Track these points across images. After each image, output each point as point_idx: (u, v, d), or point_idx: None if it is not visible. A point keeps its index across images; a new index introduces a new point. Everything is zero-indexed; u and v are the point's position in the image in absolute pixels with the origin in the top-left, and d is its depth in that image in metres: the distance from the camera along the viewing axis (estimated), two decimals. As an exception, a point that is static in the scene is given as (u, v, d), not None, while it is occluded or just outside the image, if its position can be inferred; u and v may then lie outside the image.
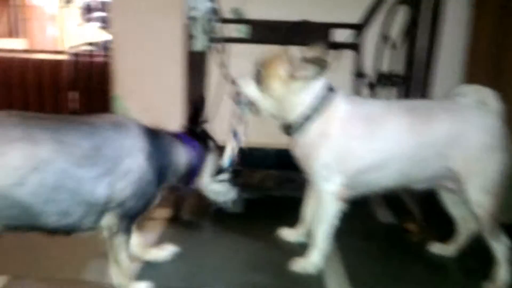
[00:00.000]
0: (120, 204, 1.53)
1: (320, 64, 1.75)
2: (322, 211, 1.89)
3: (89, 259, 1.88)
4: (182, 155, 1.75)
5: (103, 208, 1.51)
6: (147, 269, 1.85)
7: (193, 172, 1.81)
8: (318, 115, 1.80)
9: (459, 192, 1.86)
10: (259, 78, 1.83)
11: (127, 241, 1.62)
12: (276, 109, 1.85)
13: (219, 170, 1.89)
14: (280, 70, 1.79)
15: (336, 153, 1.81)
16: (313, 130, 1.82)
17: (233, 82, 1.90)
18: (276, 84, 1.80)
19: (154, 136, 1.66)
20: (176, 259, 1.99)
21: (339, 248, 2.09)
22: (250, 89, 1.86)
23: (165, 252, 1.96)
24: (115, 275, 1.63)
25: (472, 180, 1.80)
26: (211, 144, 1.88)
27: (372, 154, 1.81)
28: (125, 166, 1.51)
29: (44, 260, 1.89)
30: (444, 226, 2.12)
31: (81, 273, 1.81)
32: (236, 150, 1.93)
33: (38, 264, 1.87)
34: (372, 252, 2.17)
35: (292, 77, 1.77)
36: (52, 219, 1.43)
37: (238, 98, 1.90)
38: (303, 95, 1.80)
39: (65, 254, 1.92)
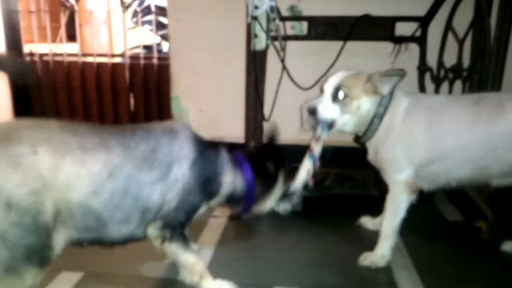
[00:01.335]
0: (165, 215, 1.52)
1: (399, 73, 1.84)
2: (392, 202, 1.92)
3: (161, 257, 1.91)
4: (229, 175, 1.69)
5: (153, 217, 1.51)
6: (217, 266, 1.88)
7: (245, 199, 1.76)
8: (385, 116, 1.90)
9: None
10: (339, 99, 1.88)
11: (183, 244, 1.60)
12: (357, 124, 1.94)
13: (288, 193, 1.87)
14: (367, 88, 1.88)
15: (401, 143, 1.86)
16: (381, 129, 1.91)
17: (311, 110, 1.89)
18: (364, 102, 1.89)
19: (204, 146, 1.63)
20: (244, 256, 2.01)
21: (407, 245, 2.06)
22: (332, 112, 1.90)
23: None
24: (187, 277, 1.65)
25: None
26: (279, 175, 1.83)
27: (435, 142, 1.83)
28: (173, 173, 1.50)
29: (116, 258, 1.94)
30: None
31: (153, 271, 1.86)
32: (311, 172, 1.92)
33: (111, 262, 1.93)
34: (440, 250, 2.11)
35: (376, 92, 1.88)
36: (115, 228, 1.43)
37: (316, 122, 1.91)
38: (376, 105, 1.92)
39: (135, 253, 1.97)
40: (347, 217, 2.36)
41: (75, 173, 1.29)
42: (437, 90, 2.51)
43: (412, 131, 1.85)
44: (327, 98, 1.90)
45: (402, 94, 1.92)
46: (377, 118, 1.90)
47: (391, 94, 1.90)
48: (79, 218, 1.33)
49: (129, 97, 4.02)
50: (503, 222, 2.20)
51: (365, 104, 1.89)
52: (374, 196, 2.62)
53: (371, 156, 2.00)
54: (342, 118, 1.90)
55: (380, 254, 1.91)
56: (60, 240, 1.33)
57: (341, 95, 1.87)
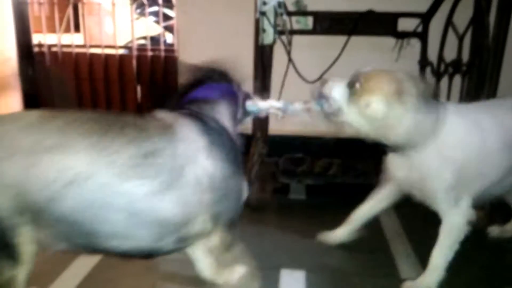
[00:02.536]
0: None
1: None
2: (451, 236, 1.74)
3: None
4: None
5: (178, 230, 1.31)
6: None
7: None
8: (436, 135, 1.63)
9: None
10: (354, 90, 1.61)
11: None
12: (367, 127, 1.63)
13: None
14: (387, 88, 1.56)
15: (463, 172, 1.66)
16: (430, 151, 1.64)
17: (323, 81, 1.67)
18: (377, 102, 1.57)
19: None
20: (252, 241, 2.09)
21: (406, 231, 2.15)
22: (338, 94, 1.62)
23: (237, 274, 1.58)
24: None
25: None
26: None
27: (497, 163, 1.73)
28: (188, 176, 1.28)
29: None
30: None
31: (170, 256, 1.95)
32: (271, 111, 1.65)
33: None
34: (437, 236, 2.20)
35: (399, 98, 1.56)
36: (111, 242, 1.25)
37: (320, 99, 1.65)
38: (411, 115, 1.59)
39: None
40: (350, 205, 2.45)
41: (25, 175, 1.16)
42: (437, 84, 2.60)
43: (472, 156, 1.66)
44: (343, 82, 1.64)
45: (452, 112, 1.67)
46: (419, 131, 1.60)
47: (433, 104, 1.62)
48: (49, 222, 1.19)
49: (136, 88, 4.09)
50: (498, 210, 2.30)
51: (378, 105, 1.57)
52: (375, 184, 2.71)
53: (404, 176, 1.77)
54: (346, 109, 1.61)
55: (426, 285, 1.74)
56: (27, 238, 1.20)
57: (354, 84, 1.60)
